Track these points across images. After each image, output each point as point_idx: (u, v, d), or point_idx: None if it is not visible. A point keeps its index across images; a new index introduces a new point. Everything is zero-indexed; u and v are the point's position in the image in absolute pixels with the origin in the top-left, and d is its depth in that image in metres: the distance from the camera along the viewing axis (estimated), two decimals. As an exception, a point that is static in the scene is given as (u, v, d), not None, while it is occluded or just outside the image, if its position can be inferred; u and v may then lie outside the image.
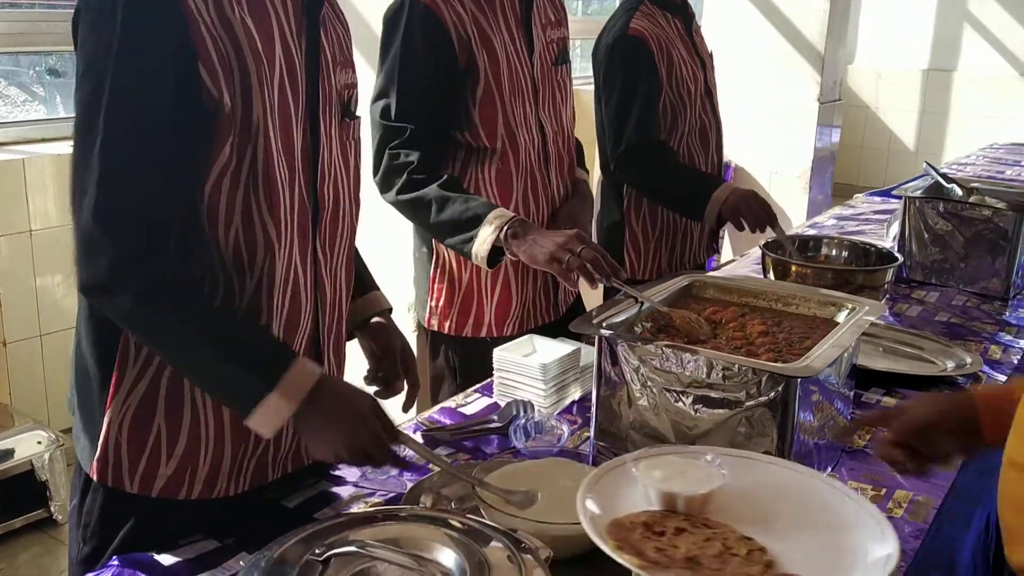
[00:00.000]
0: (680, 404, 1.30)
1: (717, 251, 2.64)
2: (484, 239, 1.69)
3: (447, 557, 0.91)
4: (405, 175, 1.75)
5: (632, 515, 0.97)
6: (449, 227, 1.74)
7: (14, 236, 3.03)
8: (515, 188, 1.87)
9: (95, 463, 1.21)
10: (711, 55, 2.48)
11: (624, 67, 2.24)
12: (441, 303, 1.94)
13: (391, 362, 1.44)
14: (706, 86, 2.40)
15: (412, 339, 1.87)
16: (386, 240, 2.58)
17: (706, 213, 2.25)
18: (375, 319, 1.48)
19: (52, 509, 2.90)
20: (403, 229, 2.02)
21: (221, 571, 1.14)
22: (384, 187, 1.79)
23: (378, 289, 1.52)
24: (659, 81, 2.24)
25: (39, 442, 2.88)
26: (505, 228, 1.68)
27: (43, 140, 3.30)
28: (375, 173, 1.80)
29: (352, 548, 0.89)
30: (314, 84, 1.23)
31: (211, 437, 1.22)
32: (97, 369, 1.19)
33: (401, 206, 1.80)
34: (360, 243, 1.44)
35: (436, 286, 1.94)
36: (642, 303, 1.47)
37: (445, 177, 1.77)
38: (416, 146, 1.76)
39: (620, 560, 0.89)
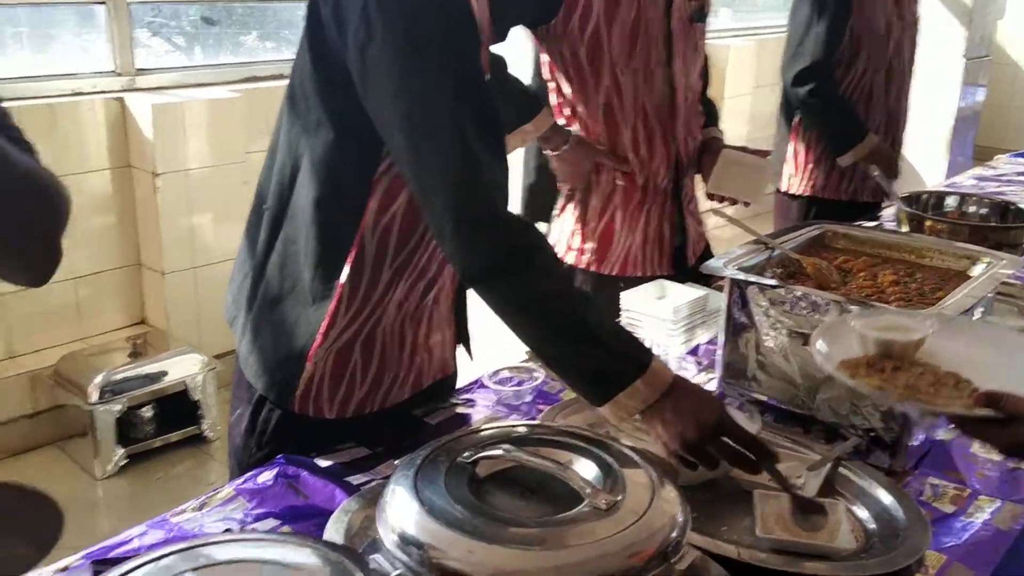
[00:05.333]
0: (808, 347, 1.34)
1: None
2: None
3: (584, 467, 0.98)
4: None
5: (855, 358, 1.11)
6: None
7: (172, 175, 3.26)
8: (622, 129, 1.88)
9: (297, 399, 1.32)
10: (917, 20, 2.71)
11: None
12: (562, 231, 2.01)
13: None
14: (901, 38, 2.62)
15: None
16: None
17: (850, 153, 2.58)
18: None
19: (203, 427, 3.15)
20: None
21: (372, 474, 1.26)
22: None
23: None
24: (849, 4, 2.48)
25: (193, 365, 3.12)
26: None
27: (199, 85, 3.51)
28: None
29: (499, 451, 0.98)
30: None
31: (395, 357, 1.36)
32: (300, 323, 1.29)
33: None
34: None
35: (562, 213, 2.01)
36: (773, 249, 1.51)
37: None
38: None
39: (854, 384, 1.06)
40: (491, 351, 1.64)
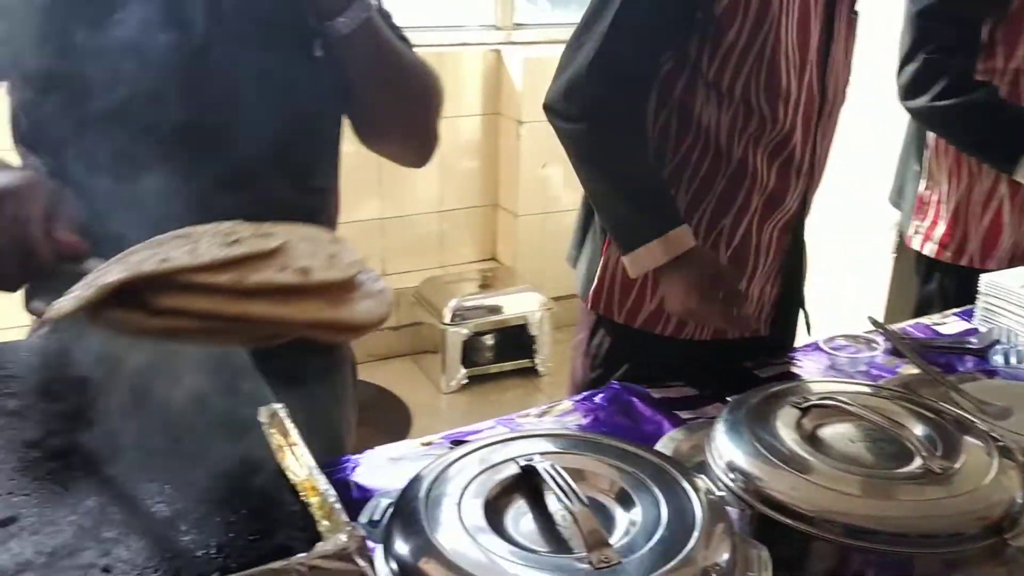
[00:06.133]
0: None
1: None
2: None
3: (920, 430, 0.97)
4: (946, 80, 1.68)
5: None
6: (998, 136, 1.69)
7: (535, 124, 3.48)
8: None
9: (592, 294, 1.46)
10: None
11: None
12: (926, 224, 1.92)
13: None
14: None
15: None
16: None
17: None
18: None
19: (536, 361, 3.39)
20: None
21: (698, 412, 1.32)
22: (912, 91, 1.73)
23: None
24: None
25: (533, 303, 3.36)
26: None
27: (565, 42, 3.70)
28: (899, 75, 1.75)
29: (832, 401, 1.00)
30: None
31: None
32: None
33: (935, 112, 1.73)
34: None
35: (927, 207, 1.91)
36: None
37: (988, 86, 1.70)
38: (954, 53, 1.69)
39: None
40: (829, 317, 1.62)
